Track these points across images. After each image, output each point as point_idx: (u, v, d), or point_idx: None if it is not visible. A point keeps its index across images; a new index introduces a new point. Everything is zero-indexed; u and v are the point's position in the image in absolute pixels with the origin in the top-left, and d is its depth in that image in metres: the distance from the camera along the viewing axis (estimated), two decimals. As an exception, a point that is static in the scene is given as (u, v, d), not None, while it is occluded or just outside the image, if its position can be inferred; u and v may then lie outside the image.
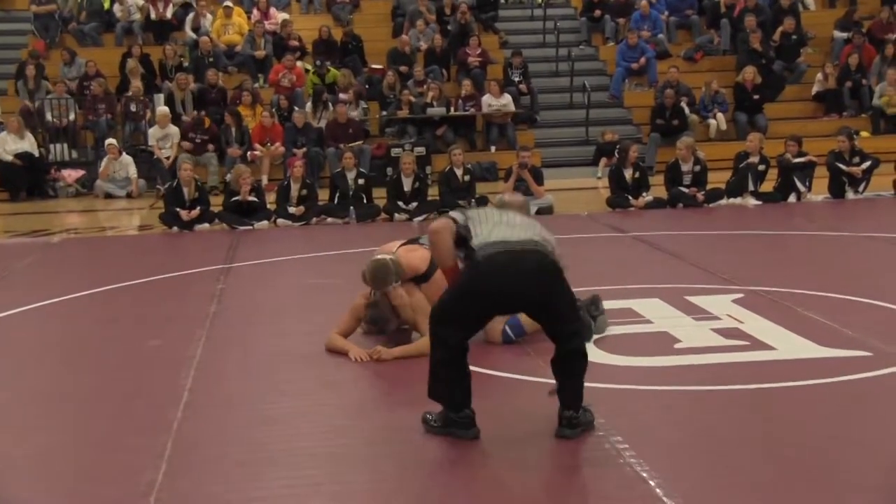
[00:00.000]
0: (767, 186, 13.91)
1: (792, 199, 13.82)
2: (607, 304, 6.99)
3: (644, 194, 13.55)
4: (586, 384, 4.90)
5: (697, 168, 13.63)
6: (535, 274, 4.79)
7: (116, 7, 20.55)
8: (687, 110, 18.03)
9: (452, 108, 17.84)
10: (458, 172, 13.59)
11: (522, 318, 6.36)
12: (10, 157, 16.58)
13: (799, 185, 13.85)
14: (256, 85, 18.70)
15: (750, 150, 13.90)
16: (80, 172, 17.25)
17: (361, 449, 4.90)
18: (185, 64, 19.02)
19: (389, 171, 15.23)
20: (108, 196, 16.35)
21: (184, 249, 11.94)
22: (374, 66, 19.37)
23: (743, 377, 5.79)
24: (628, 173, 13.58)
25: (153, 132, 17.07)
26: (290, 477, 4.53)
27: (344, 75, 18.28)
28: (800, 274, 8.91)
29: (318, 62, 18.87)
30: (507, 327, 6.51)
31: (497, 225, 4.91)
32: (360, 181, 13.51)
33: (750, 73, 18.21)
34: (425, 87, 18.07)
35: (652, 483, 4.30)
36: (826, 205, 13.81)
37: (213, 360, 6.53)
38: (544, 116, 19.10)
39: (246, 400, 5.70)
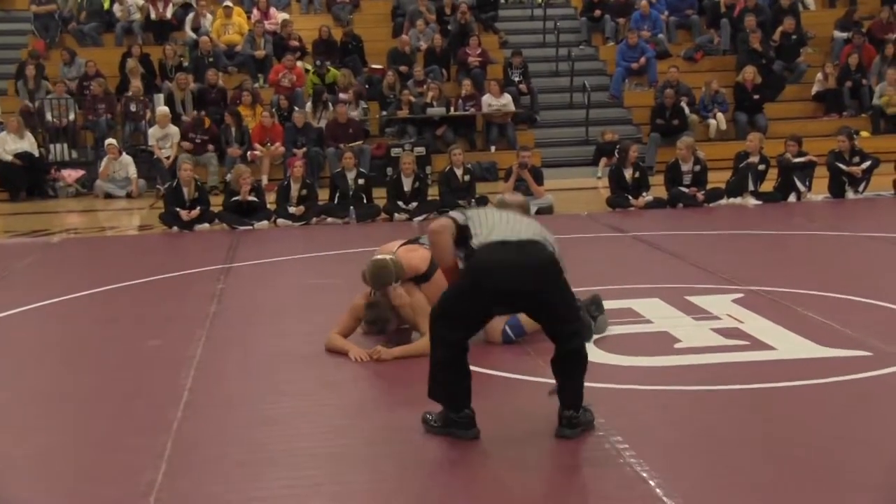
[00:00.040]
0: (767, 186, 13.91)
1: (792, 198, 13.82)
2: (607, 304, 6.98)
3: (644, 194, 13.55)
4: (586, 384, 4.90)
5: (697, 168, 13.63)
6: (535, 271, 4.79)
7: (116, 7, 20.55)
8: (687, 110, 18.03)
9: (452, 108, 17.85)
10: (458, 172, 13.59)
11: (522, 318, 6.35)
12: (9, 157, 16.58)
13: (799, 184, 13.85)
14: (256, 85, 18.71)
15: (750, 149, 13.90)
16: (79, 172, 17.25)
17: (361, 449, 4.90)
18: (185, 64, 19.02)
19: (389, 171, 15.23)
20: (108, 196, 16.35)
21: (184, 249, 11.94)
22: (374, 66, 19.38)
23: (743, 377, 5.80)
24: (628, 173, 13.58)
25: (153, 132, 17.07)
26: (290, 477, 4.53)
27: (344, 75, 18.28)
28: (800, 274, 8.91)
29: (318, 62, 18.87)
30: (507, 327, 6.51)
31: (497, 225, 4.91)
32: (360, 181, 13.51)
33: (750, 73, 18.22)
34: (425, 87, 18.07)
35: (652, 483, 4.30)
36: (826, 204, 13.81)
37: (213, 360, 6.53)
38: (544, 116, 19.11)
39: (246, 400, 5.70)
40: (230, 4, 19.93)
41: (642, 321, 7.14)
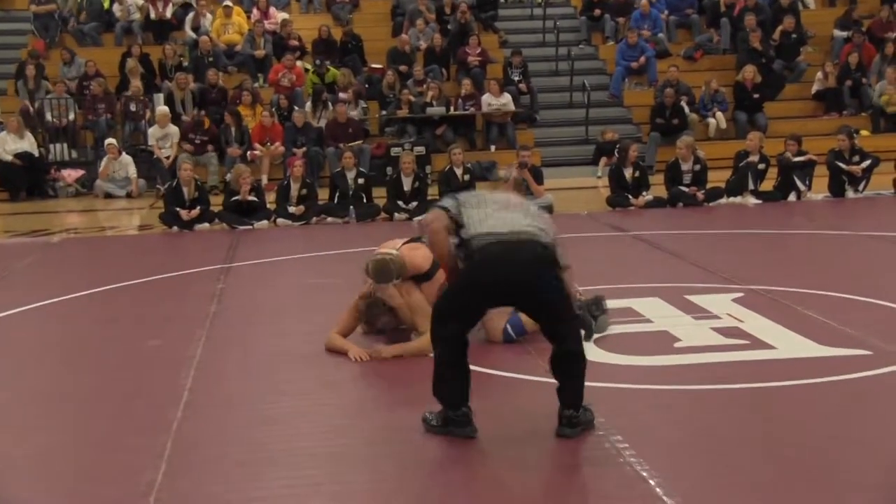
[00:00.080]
0: (767, 185, 13.91)
1: (792, 197, 13.82)
2: (607, 304, 6.98)
3: (644, 193, 13.55)
4: (586, 383, 4.89)
5: (697, 167, 13.63)
6: (530, 264, 4.78)
7: (116, 7, 20.54)
8: (687, 109, 18.02)
9: (452, 108, 17.84)
10: (458, 172, 13.60)
11: (523, 317, 6.35)
12: (9, 157, 16.57)
13: (799, 183, 13.85)
14: (256, 84, 18.70)
15: (750, 148, 13.90)
16: (79, 172, 17.25)
17: (361, 449, 4.90)
18: (185, 64, 19.01)
19: (389, 170, 15.22)
20: (108, 196, 16.35)
21: (184, 249, 11.95)
22: (373, 65, 19.37)
23: (743, 376, 5.80)
24: (628, 172, 13.58)
25: (153, 132, 17.07)
26: (290, 477, 4.53)
27: (344, 75, 18.27)
28: (800, 273, 8.91)
29: (317, 62, 18.86)
30: (508, 326, 6.51)
31: (490, 214, 4.88)
32: (360, 181, 13.52)
33: (750, 72, 18.21)
34: (425, 86, 18.06)
35: (652, 482, 4.30)
36: (826, 204, 13.81)
37: (213, 360, 6.53)
38: (544, 116, 19.10)
39: (246, 400, 5.70)
40: (230, 4, 19.92)
41: (642, 320, 7.14)
